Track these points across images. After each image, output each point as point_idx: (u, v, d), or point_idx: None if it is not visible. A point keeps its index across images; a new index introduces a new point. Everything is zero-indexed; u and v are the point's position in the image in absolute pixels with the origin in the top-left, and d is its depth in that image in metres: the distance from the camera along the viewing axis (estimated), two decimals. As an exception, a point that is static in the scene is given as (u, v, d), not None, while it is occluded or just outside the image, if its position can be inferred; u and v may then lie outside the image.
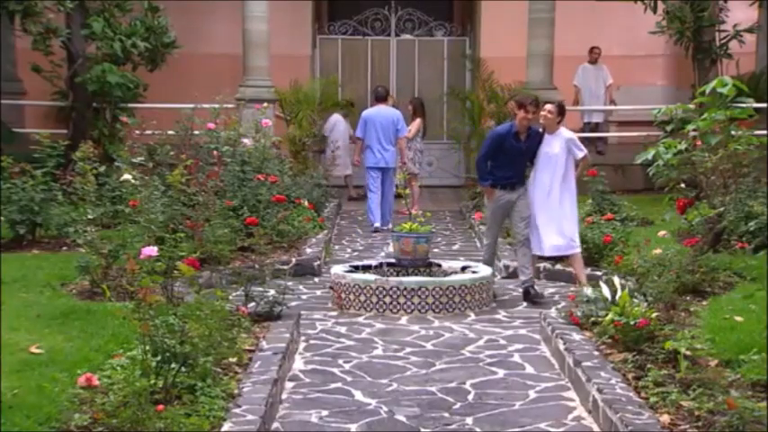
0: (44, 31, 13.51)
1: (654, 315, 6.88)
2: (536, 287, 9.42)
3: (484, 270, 9.48)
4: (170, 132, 12.42)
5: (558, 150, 9.26)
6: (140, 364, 5.61)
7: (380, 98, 14.07)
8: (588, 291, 7.85)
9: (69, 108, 14.70)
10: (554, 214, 9.29)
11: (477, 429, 5.91)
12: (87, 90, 14.11)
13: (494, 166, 9.34)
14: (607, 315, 7.05)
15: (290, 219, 11.69)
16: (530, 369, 7.20)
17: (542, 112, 9.23)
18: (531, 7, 15.93)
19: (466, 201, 15.51)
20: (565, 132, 9.43)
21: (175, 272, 6.56)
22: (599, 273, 9.40)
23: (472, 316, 8.92)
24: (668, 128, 11.43)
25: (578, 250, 9.43)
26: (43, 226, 10.55)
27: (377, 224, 13.65)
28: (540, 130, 9.35)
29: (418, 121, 15.16)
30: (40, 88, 15.44)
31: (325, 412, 6.17)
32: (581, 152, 9.41)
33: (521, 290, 9.58)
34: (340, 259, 11.37)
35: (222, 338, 6.24)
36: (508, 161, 9.27)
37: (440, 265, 9.77)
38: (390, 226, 12.61)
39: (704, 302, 8.08)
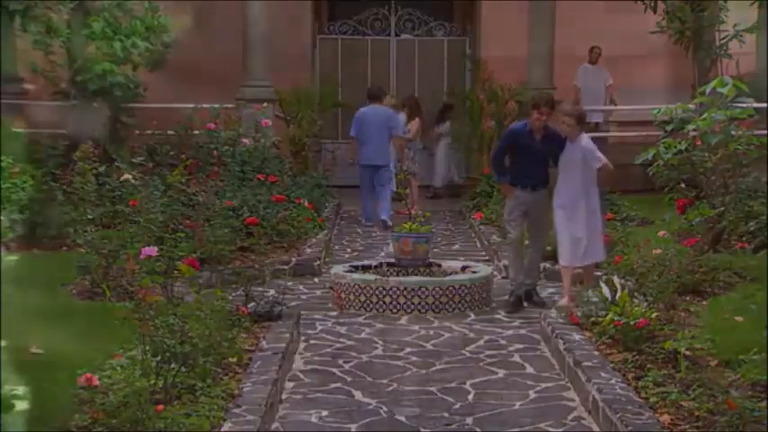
0: (44, 31, 13.50)
1: (654, 315, 6.89)
2: (538, 291, 9.39)
3: (484, 270, 9.48)
4: (170, 132, 12.42)
5: (578, 159, 9.00)
6: (140, 364, 5.61)
7: (373, 97, 14.05)
8: (589, 292, 7.84)
9: (69, 108, 14.68)
10: (583, 224, 8.82)
11: (477, 429, 5.91)
12: (88, 90, 14.10)
13: (512, 165, 9.17)
14: (607, 315, 7.05)
15: (290, 219, 11.68)
16: (530, 369, 7.20)
17: (561, 124, 8.96)
18: (531, 7, 15.90)
19: (466, 201, 15.50)
20: (583, 141, 9.00)
21: (175, 272, 6.57)
22: (599, 273, 9.37)
23: (472, 316, 8.92)
24: (668, 128, 11.45)
25: (600, 260, 9.13)
26: (43, 226, 10.55)
27: (368, 223, 13.86)
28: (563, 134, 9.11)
29: (417, 120, 15.14)
30: (40, 88, 15.42)
31: (325, 412, 6.17)
32: (597, 162, 8.93)
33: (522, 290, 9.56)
34: (340, 259, 11.35)
35: (222, 338, 6.25)
36: (526, 160, 9.03)
37: (440, 265, 9.76)
38: (390, 224, 12.60)
39: (704, 302, 8.08)
